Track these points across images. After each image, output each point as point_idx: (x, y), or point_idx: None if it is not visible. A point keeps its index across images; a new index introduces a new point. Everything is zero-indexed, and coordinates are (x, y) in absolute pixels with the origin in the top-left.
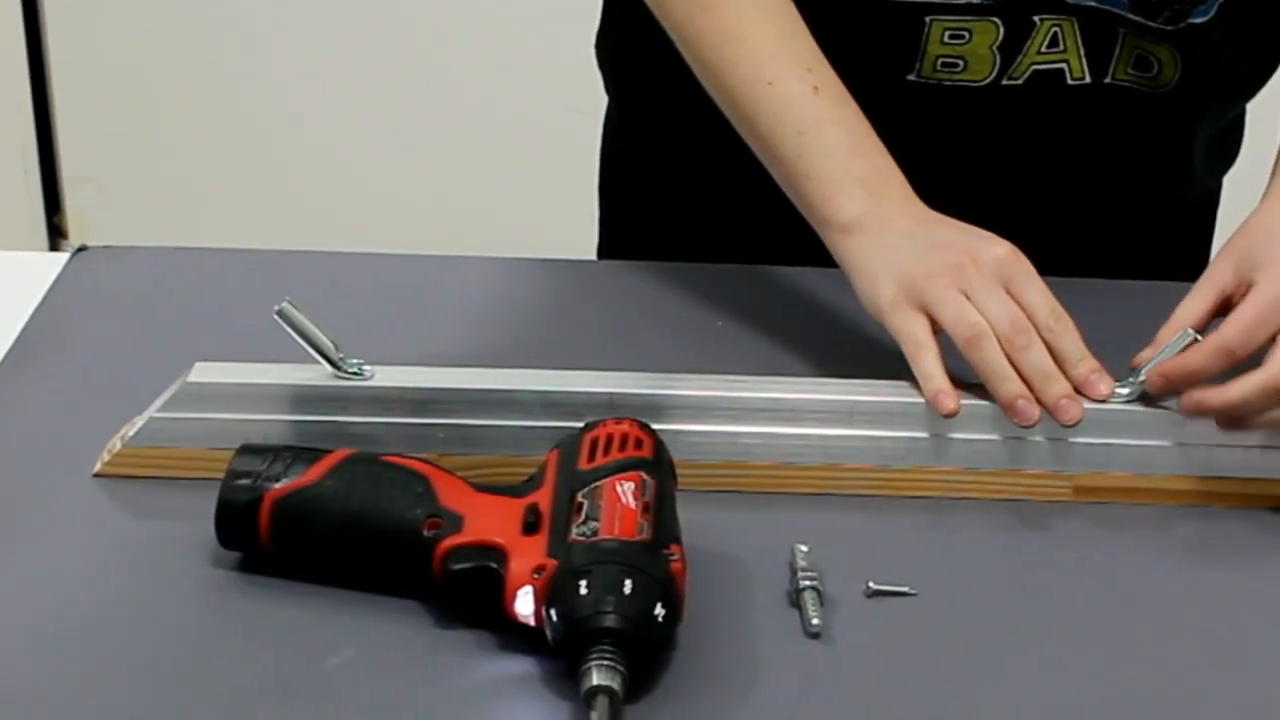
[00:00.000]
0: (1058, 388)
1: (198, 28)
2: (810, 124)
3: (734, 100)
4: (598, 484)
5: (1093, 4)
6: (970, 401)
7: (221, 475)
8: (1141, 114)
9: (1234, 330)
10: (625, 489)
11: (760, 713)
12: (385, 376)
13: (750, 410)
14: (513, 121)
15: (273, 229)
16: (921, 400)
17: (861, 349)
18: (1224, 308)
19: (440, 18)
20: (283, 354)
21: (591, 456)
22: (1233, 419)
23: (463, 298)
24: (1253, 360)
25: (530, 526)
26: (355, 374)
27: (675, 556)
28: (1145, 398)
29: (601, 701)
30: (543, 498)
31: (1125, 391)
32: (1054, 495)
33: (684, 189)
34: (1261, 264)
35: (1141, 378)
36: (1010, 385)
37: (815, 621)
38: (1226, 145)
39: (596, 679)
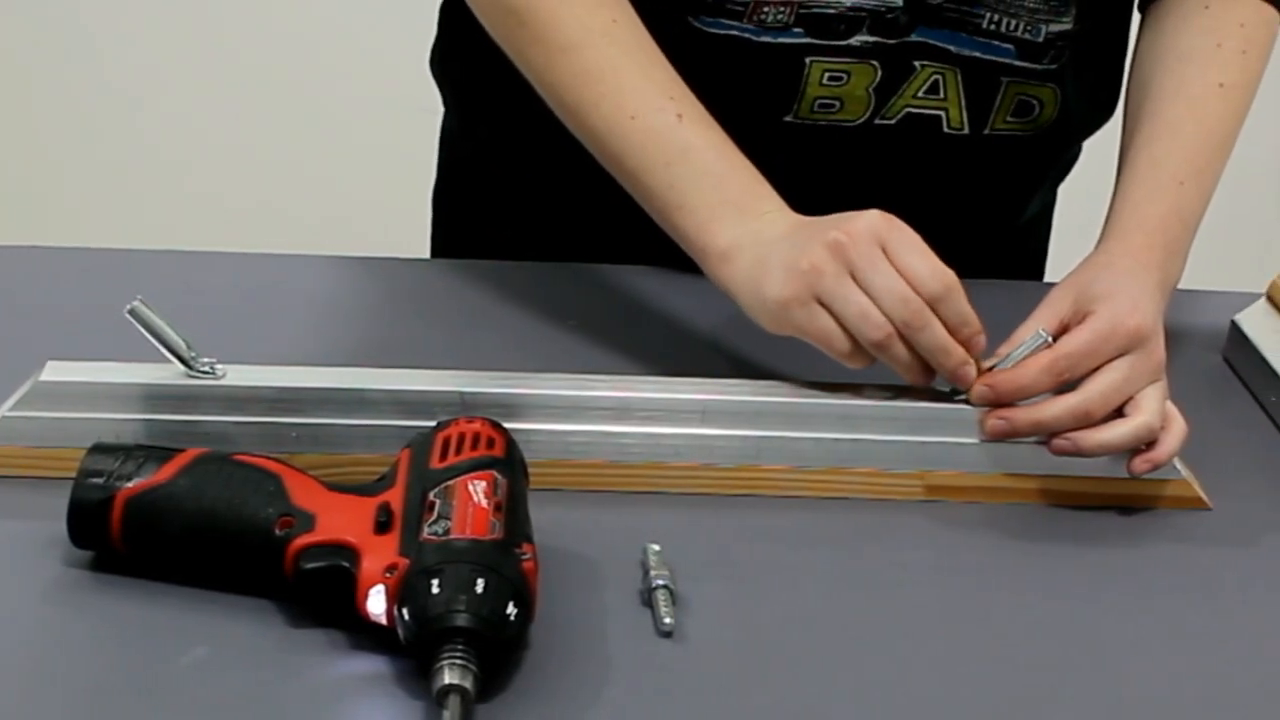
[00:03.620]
0: (953, 359)
1: (37, 27)
2: (676, 153)
3: (600, 139)
4: (449, 483)
5: (978, 55)
6: (827, 401)
7: (73, 474)
8: (1015, 156)
9: (1065, 354)
10: (477, 488)
11: (613, 711)
12: (237, 375)
13: (602, 409)
14: (357, 121)
15: (118, 229)
16: (777, 399)
17: (712, 349)
18: (1061, 336)
19: (283, 16)
20: (135, 353)
21: (443, 455)
22: (1063, 446)
23: (314, 297)
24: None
25: (382, 525)
26: (207, 373)
27: (527, 556)
28: None
29: (453, 701)
30: (395, 497)
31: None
32: (906, 494)
33: (524, 198)
34: (1099, 297)
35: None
36: (916, 377)
37: (667, 620)
38: (1067, 162)
39: (448, 678)
